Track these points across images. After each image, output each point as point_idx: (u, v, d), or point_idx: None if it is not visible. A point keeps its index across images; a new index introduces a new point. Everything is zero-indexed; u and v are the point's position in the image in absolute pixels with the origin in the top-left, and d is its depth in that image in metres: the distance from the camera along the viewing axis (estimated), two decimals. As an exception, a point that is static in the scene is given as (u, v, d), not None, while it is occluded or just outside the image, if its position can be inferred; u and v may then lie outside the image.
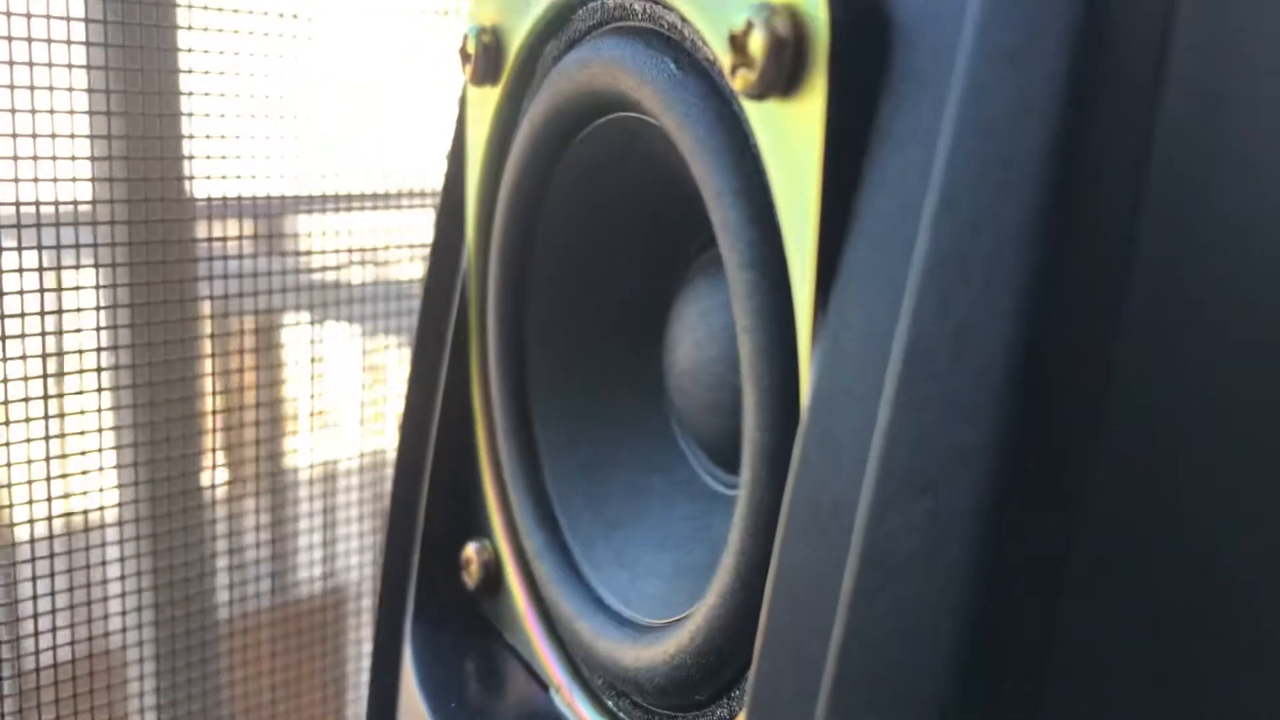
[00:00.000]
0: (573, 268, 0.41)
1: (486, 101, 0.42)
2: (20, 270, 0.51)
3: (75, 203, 0.51)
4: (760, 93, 0.27)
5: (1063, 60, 0.23)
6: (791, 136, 0.27)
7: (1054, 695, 0.25)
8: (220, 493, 0.69)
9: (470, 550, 0.44)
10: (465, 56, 0.42)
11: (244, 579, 0.70)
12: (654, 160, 0.37)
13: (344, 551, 0.76)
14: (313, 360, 0.69)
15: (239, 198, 0.59)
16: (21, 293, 0.50)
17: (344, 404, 0.74)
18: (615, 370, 0.42)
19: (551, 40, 0.39)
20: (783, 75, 0.27)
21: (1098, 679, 0.25)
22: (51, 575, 0.53)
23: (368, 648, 0.75)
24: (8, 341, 0.50)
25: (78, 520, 0.58)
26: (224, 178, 0.57)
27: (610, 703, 0.38)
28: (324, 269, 0.64)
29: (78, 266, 0.55)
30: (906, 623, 0.24)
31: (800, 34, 0.27)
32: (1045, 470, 0.24)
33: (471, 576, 0.44)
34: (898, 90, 0.26)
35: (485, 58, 0.41)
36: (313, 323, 0.68)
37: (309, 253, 0.63)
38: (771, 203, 0.29)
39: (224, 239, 0.59)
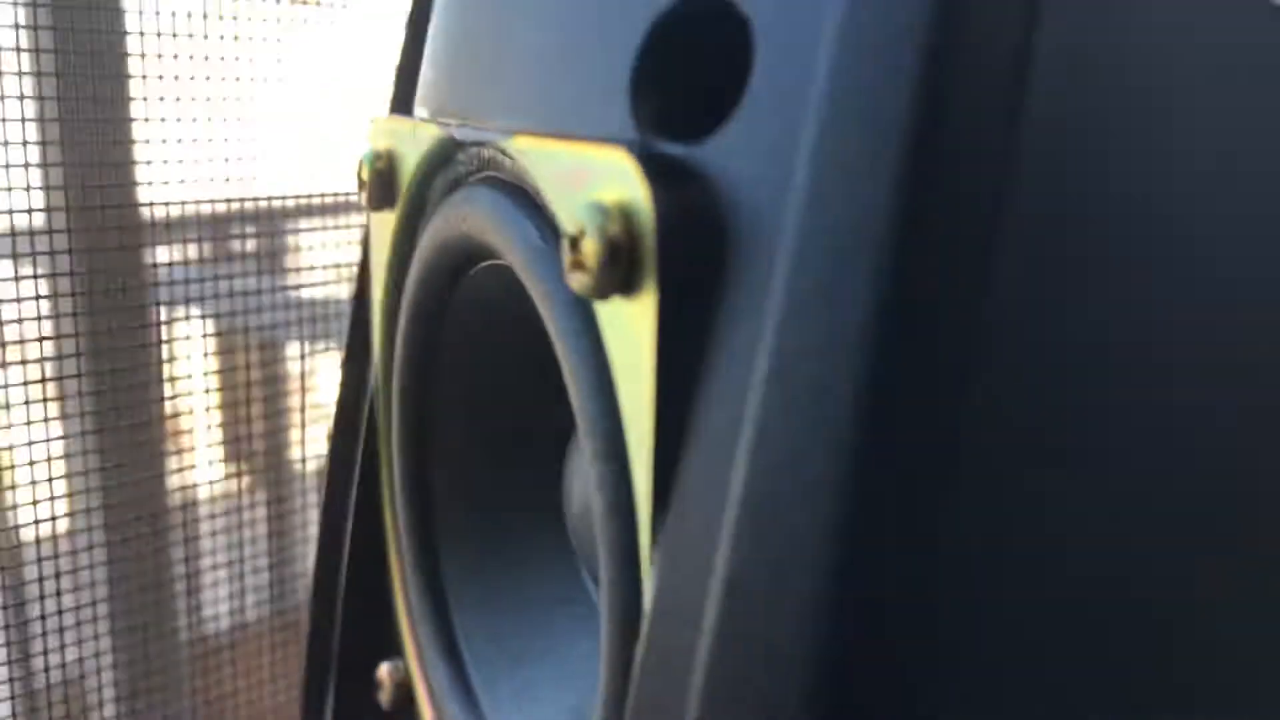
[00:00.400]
0: (473, 397, 0.41)
1: (385, 225, 0.42)
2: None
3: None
4: (599, 294, 0.27)
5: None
6: (630, 335, 0.27)
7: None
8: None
9: (384, 670, 0.44)
10: (361, 183, 0.41)
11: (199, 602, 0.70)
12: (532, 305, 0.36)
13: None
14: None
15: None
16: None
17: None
18: (519, 501, 0.41)
19: (440, 174, 0.39)
20: (618, 277, 0.26)
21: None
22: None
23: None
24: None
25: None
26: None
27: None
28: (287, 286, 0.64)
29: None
30: None
31: (633, 235, 0.26)
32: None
33: (386, 696, 0.44)
34: (731, 286, 0.25)
35: (379, 183, 0.41)
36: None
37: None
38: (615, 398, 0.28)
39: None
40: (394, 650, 0.44)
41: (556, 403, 0.40)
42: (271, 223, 0.69)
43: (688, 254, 0.26)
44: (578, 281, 0.27)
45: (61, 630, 0.60)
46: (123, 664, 0.63)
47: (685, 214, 0.26)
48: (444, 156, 0.38)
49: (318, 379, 0.74)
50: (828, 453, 0.23)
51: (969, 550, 0.25)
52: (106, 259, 0.59)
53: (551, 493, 0.41)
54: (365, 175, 0.41)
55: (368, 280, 0.44)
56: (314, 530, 0.71)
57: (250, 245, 0.68)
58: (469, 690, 0.40)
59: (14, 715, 0.59)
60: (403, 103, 0.43)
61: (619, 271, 0.26)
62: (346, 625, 0.46)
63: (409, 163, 0.40)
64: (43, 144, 0.56)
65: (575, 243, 0.27)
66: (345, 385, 0.46)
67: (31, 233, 0.55)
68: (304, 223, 0.71)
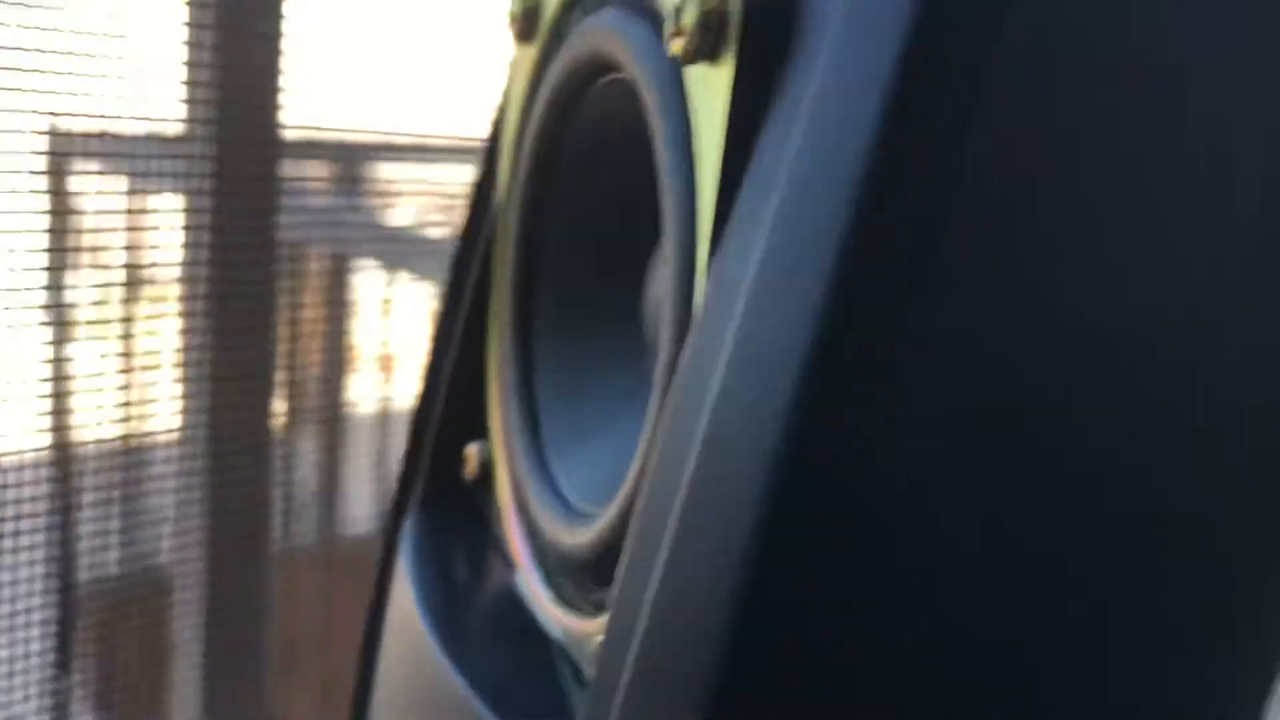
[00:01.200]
0: (579, 211, 0.47)
1: (526, 59, 0.48)
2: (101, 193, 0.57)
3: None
4: (689, 58, 0.33)
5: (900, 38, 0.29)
6: (713, 95, 0.33)
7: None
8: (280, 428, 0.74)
9: (471, 449, 0.51)
10: (511, 17, 0.48)
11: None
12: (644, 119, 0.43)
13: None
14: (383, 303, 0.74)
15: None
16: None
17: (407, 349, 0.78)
18: (606, 306, 0.48)
19: (577, 7, 0.45)
20: (708, 44, 0.33)
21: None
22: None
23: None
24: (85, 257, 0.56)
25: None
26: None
27: (554, 581, 0.44)
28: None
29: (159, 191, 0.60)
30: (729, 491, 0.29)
31: (723, 11, 0.32)
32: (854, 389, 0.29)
33: (470, 472, 0.51)
34: (794, 65, 0.31)
35: (525, 17, 0.47)
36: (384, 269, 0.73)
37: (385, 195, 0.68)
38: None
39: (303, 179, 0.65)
40: (481, 433, 0.51)
41: (646, 218, 0.46)
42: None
43: (763, 32, 0.32)
44: (676, 45, 0.33)
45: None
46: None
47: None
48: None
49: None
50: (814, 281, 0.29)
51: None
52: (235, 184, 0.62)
53: (633, 300, 0.47)
54: (515, 9, 0.48)
55: (499, 125, 0.51)
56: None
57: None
58: (542, 452, 0.46)
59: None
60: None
61: (709, 39, 0.32)
62: (446, 410, 0.52)
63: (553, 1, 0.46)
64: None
65: (677, 13, 0.33)
66: (470, 211, 0.53)
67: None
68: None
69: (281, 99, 0.62)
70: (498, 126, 0.51)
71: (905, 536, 0.30)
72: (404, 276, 0.75)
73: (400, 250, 0.72)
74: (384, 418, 0.79)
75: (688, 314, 0.34)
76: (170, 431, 0.64)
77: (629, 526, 0.37)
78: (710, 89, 0.33)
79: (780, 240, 0.29)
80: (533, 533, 0.47)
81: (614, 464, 0.45)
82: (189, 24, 0.58)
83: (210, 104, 0.57)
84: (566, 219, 0.47)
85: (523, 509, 0.48)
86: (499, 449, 0.50)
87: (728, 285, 0.31)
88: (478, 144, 0.78)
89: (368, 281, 0.74)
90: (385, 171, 0.72)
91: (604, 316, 0.48)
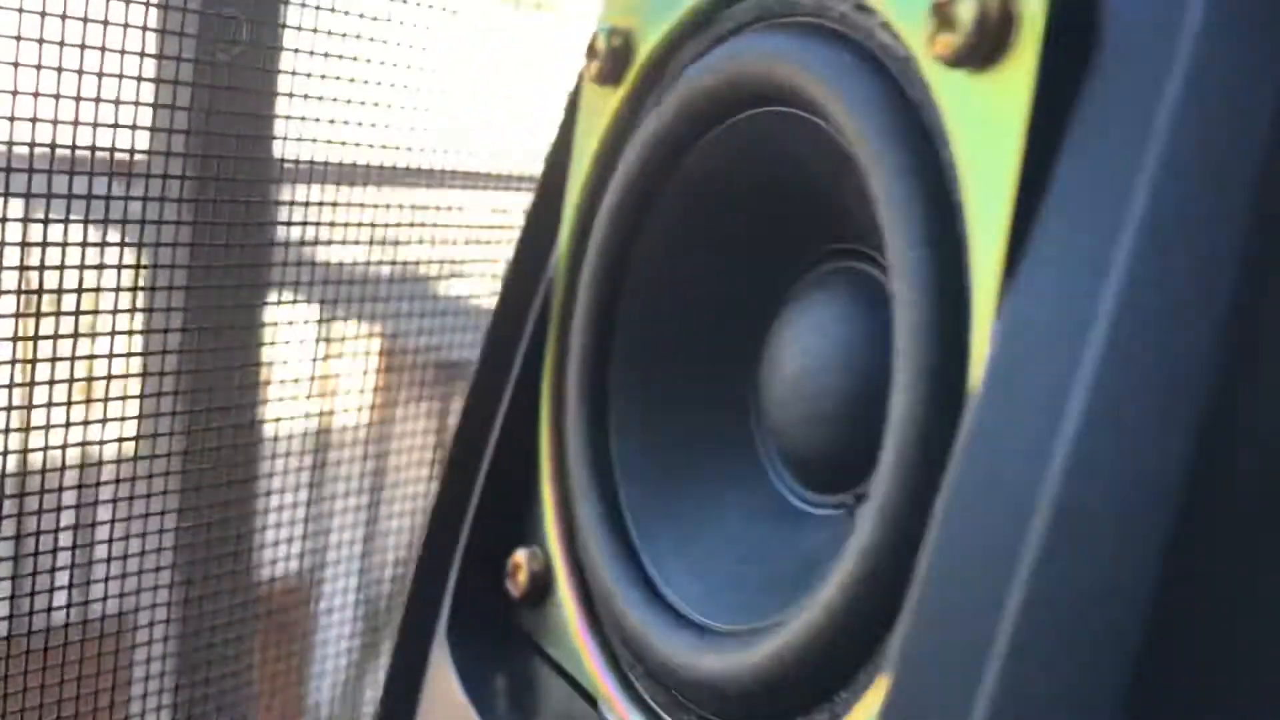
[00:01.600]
0: (672, 273, 0.41)
1: (605, 103, 0.42)
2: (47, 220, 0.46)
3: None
4: (959, 59, 0.27)
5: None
6: (987, 107, 0.27)
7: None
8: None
9: (520, 556, 0.43)
10: (592, 53, 0.41)
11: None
12: (785, 163, 0.37)
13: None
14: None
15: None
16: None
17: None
18: (699, 383, 0.41)
19: (691, 41, 0.39)
20: (985, 45, 0.27)
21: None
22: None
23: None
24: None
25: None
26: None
27: (670, 718, 0.36)
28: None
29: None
30: (1094, 588, 0.23)
31: (1007, 7, 0.27)
32: (1256, 447, 0.23)
33: (518, 585, 0.42)
34: (1107, 68, 0.26)
35: (612, 59, 0.41)
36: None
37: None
38: (945, 180, 0.29)
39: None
40: (528, 539, 0.43)
41: (764, 279, 0.40)
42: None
43: (1070, 25, 0.26)
44: (942, 44, 0.27)
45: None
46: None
47: (1072, -10, 0.26)
48: (706, 18, 0.38)
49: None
50: (1206, 317, 0.23)
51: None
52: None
53: (733, 376, 0.40)
54: (600, 45, 0.41)
55: (561, 172, 0.44)
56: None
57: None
58: (637, 561, 0.38)
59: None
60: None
61: (987, 39, 0.27)
62: (480, 512, 0.44)
63: (651, 37, 0.40)
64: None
65: (942, 11, 0.27)
66: (515, 271, 0.46)
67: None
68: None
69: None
70: (555, 177, 0.45)
71: None
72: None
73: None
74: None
75: (940, 376, 0.28)
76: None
77: (835, 638, 0.30)
78: (985, 100, 0.27)
79: (1154, 281, 0.23)
80: (620, 661, 0.39)
81: (738, 574, 0.38)
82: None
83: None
84: (656, 280, 0.40)
85: (599, 630, 0.40)
86: (559, 558, 0.42)
87: (1048, 337, 0.25)
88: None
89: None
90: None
91: (695, 394, 0.41)
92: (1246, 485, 0.23)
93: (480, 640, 0.43)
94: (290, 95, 0.48)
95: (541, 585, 0.42)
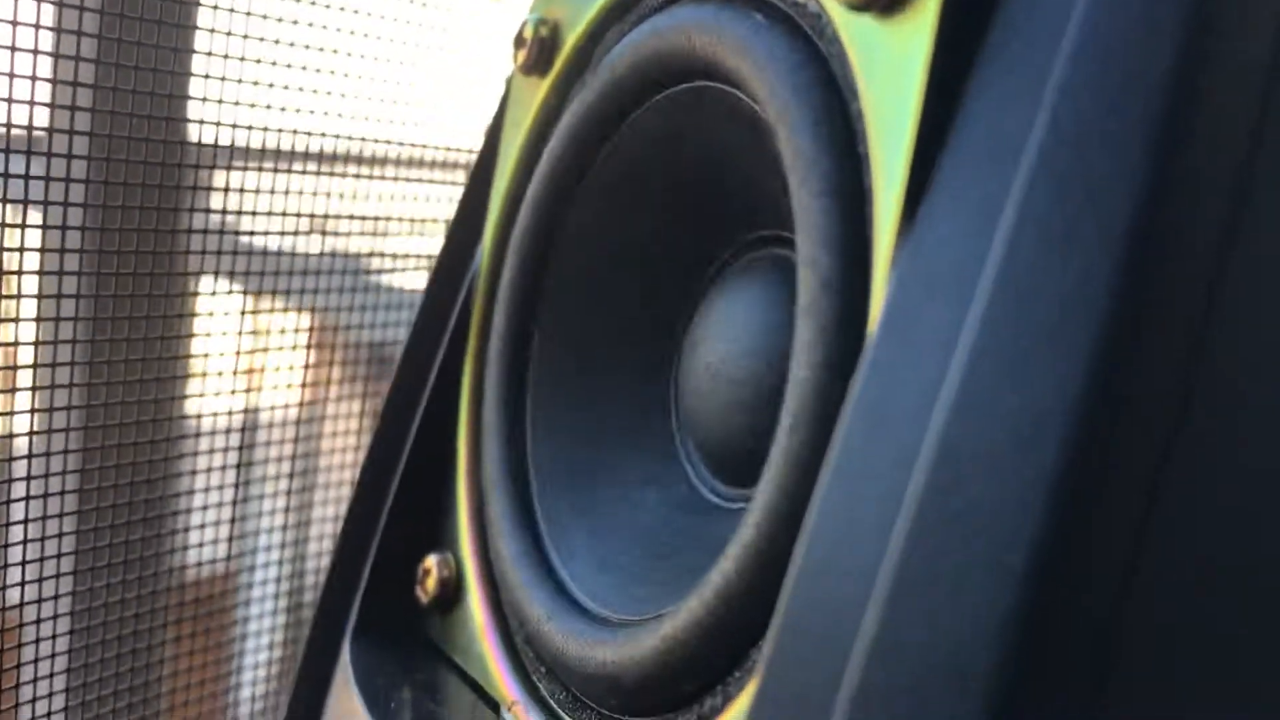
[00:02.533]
0: (593, 268, 0.39)
1: (532, 93, 0.41)
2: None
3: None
4: (865, 2, 0.26)
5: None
6: (892, 52, 0.26)
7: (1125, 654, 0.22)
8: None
9: (431, 561, 0.41)
10: (520, 43, 0.41)
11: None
12: (710, 145, 0.35)
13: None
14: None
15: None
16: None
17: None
18: (619, 382, 0.39)
19: (616, 25, 0.38)
20: (890, -11, 0.26)
21: (1172, 635, 0.22)
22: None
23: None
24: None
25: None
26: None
27: (569, 717, 0.34)
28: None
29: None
30: (976, 525, 0.21)
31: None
32: (1150, 371, 0.22)
33: (426, 591, 0.41)
34: (1010, 14, 0.25)
35: (539, 48, 0.40)
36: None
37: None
38: (854, 136, 0.27)
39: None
40: (441, 545, 0.41)
41: (685, 271, 0.39)
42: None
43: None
44: (848, -9, 0.26)
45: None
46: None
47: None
48: (622, 6, 0.38)
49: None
50: (1131, 131, 0.22)
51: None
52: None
53: (654, 372, 0.39)
54: (528, 35, 0.40)
55: (491, 163, 0.43)
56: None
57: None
58: (545, 558, 0.37)
59: None
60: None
61: (893, -18, 0.26)
62: (393, 518, 0.42)
63: (577, 25, 0.39)
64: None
65: (849, -46, 0.26)
66: (440, 269, 0.44)
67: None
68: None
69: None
70: (485, 168, 0.43)
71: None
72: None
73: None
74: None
75: (841, 331, 0.26)
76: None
77: (725, 617, 0.28)
78: (890, 45, 0.26)
79: (1042, 223, 0.22)
80: (525, 664, 0.37)
81: (647, 568, 0.36)
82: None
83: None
84: (578, 273, 0.39)
85: (506, 635, 0.38)
86: (470, 562, 0.40)
87: (941, 283, 0.24)
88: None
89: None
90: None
91: (616, 391, 0.39)
92: (1135, 419, 0.22)
93: (387, 647, 0.41)
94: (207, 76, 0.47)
95: (451, 591, 0.40)
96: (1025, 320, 0.22)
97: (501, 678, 0.37)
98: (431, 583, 0.41)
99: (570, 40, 0.40)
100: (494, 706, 0.37)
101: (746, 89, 0.31)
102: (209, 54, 0.47)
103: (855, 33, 0.27)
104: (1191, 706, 0.24)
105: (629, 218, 0.39)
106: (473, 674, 0.39)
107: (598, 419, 0.39)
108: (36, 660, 0.48)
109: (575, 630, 0.34)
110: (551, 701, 0.35)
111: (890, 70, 0.26)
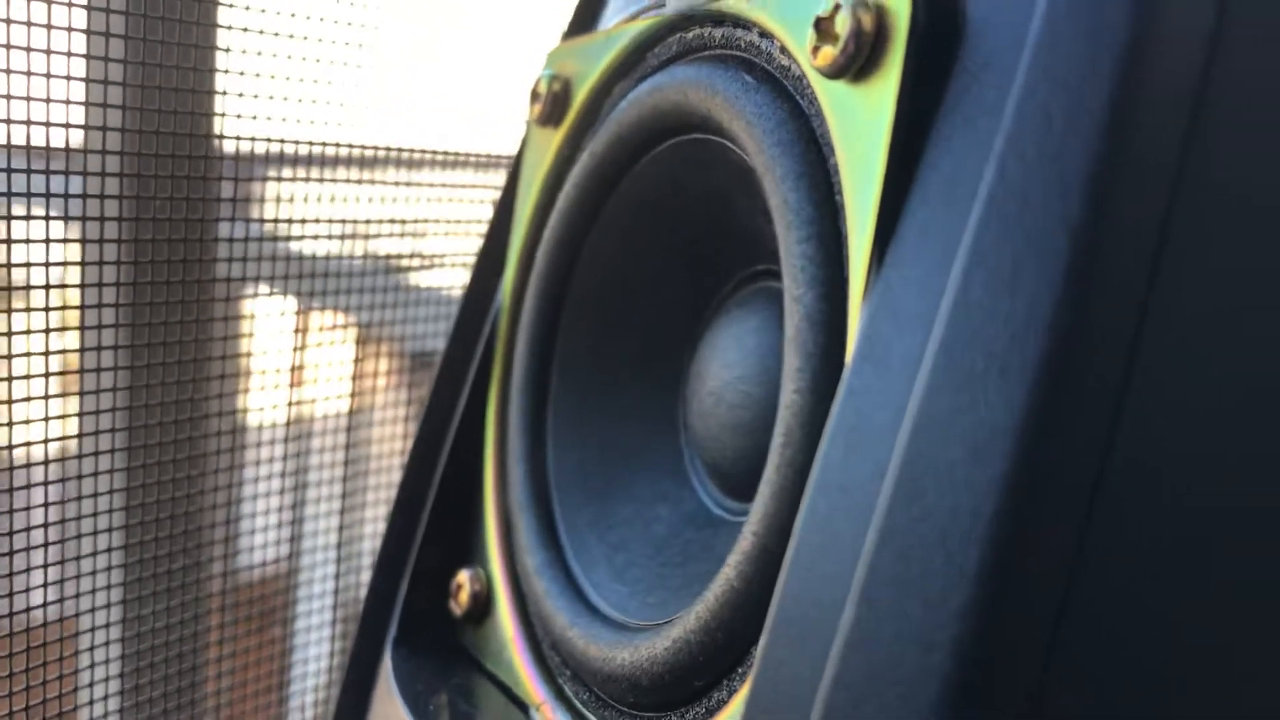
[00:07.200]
0: (607, 301, 0.43)
1: (547, 142, 0.44)
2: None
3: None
4: (838, 71, 0.30)
5: (1116, 58, 0.26)
6: (862, 112, 0.29)
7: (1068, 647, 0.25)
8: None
9: (463, 576, 0.44)
10: (535, 97, 0.44)
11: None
12: (707, 191, 0.39)
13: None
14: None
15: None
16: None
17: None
18: (634, 404, 0.43)
19: (621, 81, 0.42)
20: (861, 56, 0.29)
21: (1118, 623, 0.26)
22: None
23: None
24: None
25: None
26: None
27: (594, 716, 0.38)
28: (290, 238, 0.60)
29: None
30: (935, 530, 0.24)
31: (881, 23, 0.29)
32: (1087, 394, 0.25)
33: (459, 604, 0.44)
34: (966, 75, 0.28)
35: (552, 102, 0.44)
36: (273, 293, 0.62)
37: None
38: (832, 186, 0.31)
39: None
40: (472, 560, 0.45)
41: (690, 302, 0.42)
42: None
43: (933, 40, 0.29)
44: (823, 57, 0.30)
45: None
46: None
47: (935, 12, 0.29)
48: (633, 59, 0.41)
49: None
50: (1041, 279, 0.25)
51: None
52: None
53: (666, 395, 0.42)
54: (541, 90, 0.44)
55: (510, 210, 0.46)
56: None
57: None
58: (567, 569, 0.40)
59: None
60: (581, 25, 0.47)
61: (863, 51, 0.29)
62: (429, 534, 0.46)
63: (588, 80, 0.43)
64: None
65: (823, 26, 0.30)
66: (466, 305, 0.48)
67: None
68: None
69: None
70: (502, 216, 0.47)
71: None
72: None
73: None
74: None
75: (824, 360, 0.30)
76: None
77: (730, 616, 0.32)
78: (860, 105, 0.30)
79: (991, 264, 0.26)
80: (551, 668, 0.40)
81: (661, 576, 0.39)
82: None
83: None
84: (593, 306, 0.43)
85: (534, 642, 0.41)
86: (499, 575, 0.43)
87: (905, 317, 0.27)
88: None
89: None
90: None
91: (630, 414, 0.43)
92: (1075, 436, 0.25)
93: (425, 656, 0.45)
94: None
95: (482, 604, 0.44)
96: (978, 349, 0.25)
97: (530, 681, 0.41)
98: (464, 596, 0.44)
99: (581, 95, 0.43)
100: (523, 708, 0.41)
101: (738, 142, 0.34)
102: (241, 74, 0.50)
103: (831, 96, 0.31)
104: (1132, 694, 0.27)
105: (638, 256, 0.42)
106: (503, 678, 0.42)
107: (613, 442, 0.42)
108: (93, 665, 0.51)
109: (596, 636, 0.37)
110: (576, 702, 0.39)
111: (861, 129, 0.30)
